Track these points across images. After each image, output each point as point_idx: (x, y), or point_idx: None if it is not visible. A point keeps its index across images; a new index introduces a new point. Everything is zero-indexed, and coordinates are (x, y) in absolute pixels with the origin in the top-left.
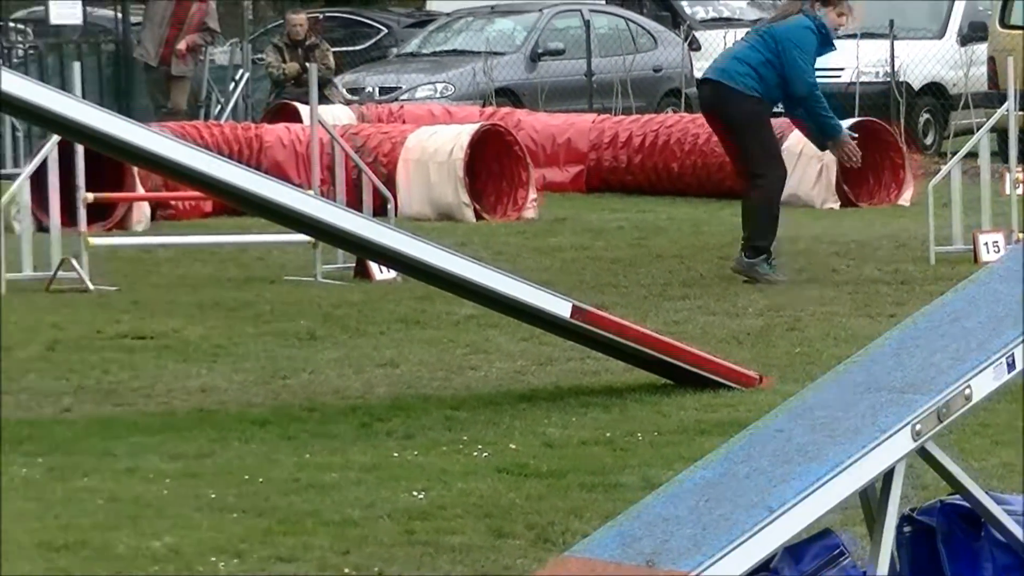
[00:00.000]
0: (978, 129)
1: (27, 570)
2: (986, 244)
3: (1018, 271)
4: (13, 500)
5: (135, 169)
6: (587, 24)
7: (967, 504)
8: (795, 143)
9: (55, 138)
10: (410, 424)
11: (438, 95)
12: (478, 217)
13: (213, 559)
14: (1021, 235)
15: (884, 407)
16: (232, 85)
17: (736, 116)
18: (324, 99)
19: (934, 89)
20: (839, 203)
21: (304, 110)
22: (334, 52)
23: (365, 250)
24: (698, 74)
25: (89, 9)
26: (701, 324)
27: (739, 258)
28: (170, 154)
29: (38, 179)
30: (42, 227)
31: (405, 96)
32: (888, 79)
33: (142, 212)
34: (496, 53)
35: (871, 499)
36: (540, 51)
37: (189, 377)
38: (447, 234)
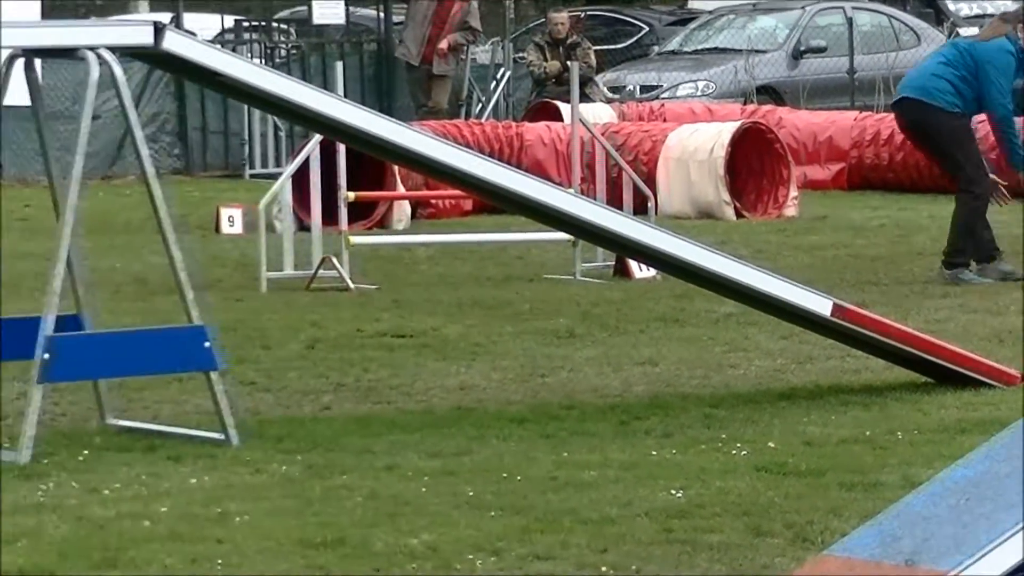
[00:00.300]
0: None
1: (285, 568)
2: None
3: None
4: (272, 498)
5: (396, 168)
6: (850, 21)
7: None
8: None
9: (317, 137)
10: (668, 422)
11: (699, 93)
12: (738, 215)
13: (470, 557)
14: None
15: None
16: (493, 84)
17: (942, 133)
18: (585, 97)
19: None
20: None
21: (565, 108)
22: (595, 50)
23: (625, 248)
24: None
25: (352, 8)
26: (962, 322)
27: (940, 270)
28: (431, 152)
29: (300, 178)
30: (303, 226)
31: (666, 94)
32: None
33: (402, 211)
34: (758, 51)
35: None
36: (802, 48)
37: (448, 375)
38: (707, 232)
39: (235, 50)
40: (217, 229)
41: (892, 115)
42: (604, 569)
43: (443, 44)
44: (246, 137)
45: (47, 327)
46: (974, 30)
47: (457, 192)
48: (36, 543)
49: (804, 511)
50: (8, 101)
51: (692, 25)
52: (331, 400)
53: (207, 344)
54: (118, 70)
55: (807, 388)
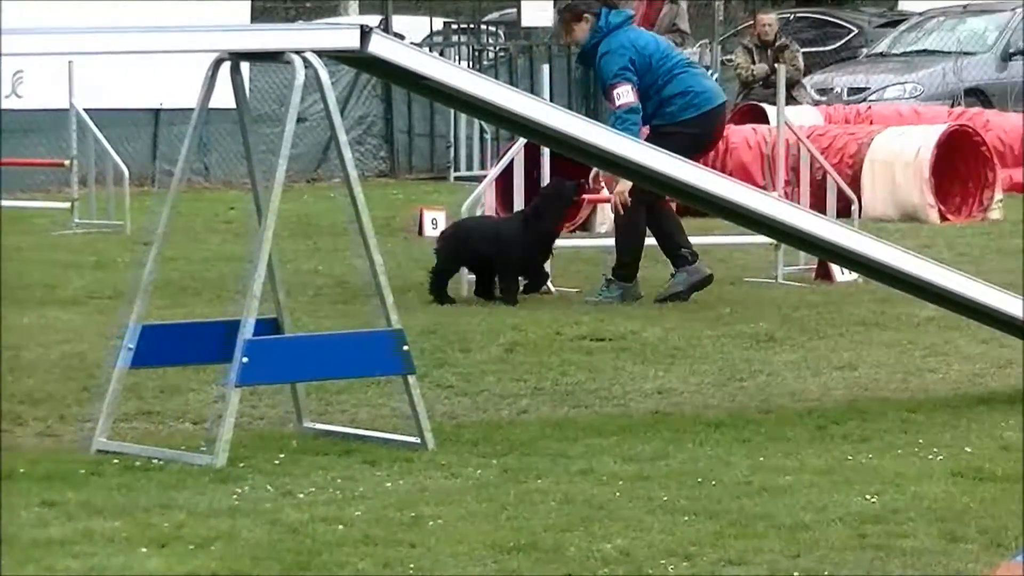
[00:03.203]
0: None
1: (478, 572)
2: None
3: None
4: (466, 502)
5: (599, 172)
6: None
7: None
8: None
9: (522, 141)
10: (866, 427)
11: (907, 95)
12: (943, 218)
13: (663, 562)
14: None
15: None
16: None
17: None
18: (792, 100)
19: None
20: None
21: (771, 111)
22: (804, 53)
23: (827, 252)
24: None
25: None
26: None
27: None
28: (635, 156)
29: (504, 182)
30: None
31: (874, 96)
32: None
33: (606, 214)
34: (966, 53)
35: None
36: (1012, 51)
37: (646, 379)
38: (910, 236)
39: (443, 52)
40: (421, 231)
41: None
42: (797, 574)
43: None
44: (452, 140)
45: (246, 330)
46: None
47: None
48: (230, 546)
49: (999, 516)
50: (214, 104)
51: (902, 27)
52: (528, 404)
53: (404, 348)
54: (324, 73)
55: (1006, 393)
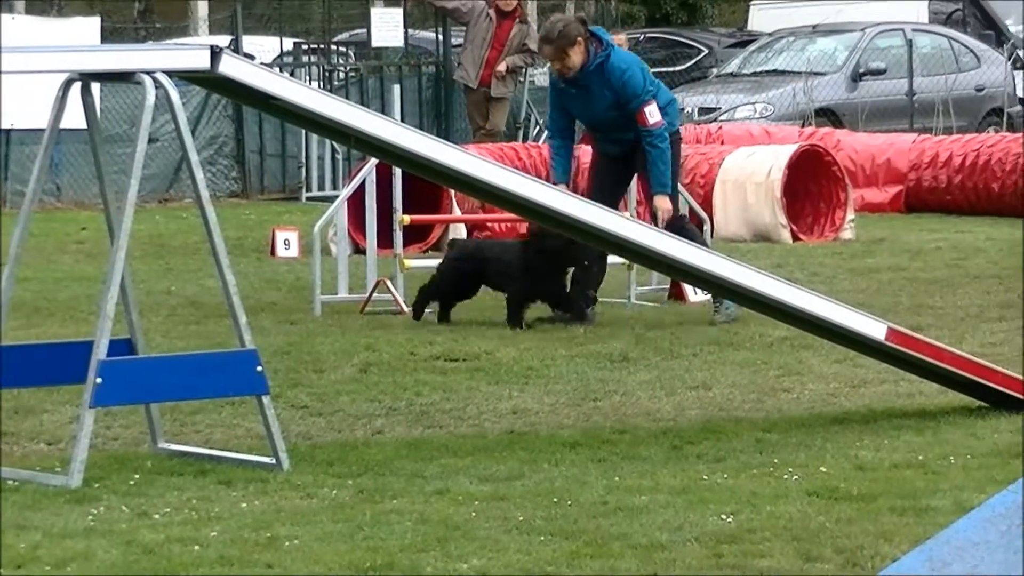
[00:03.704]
0: None
1: None
2: None
3: None
4: (323, 522)
5: (452, 191)
6: (909, 43)
7: None
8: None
9: (373, 161)
10: (720, 447)
11: (757, 115)
12: (795, 238)
13: None
14: None
15: None
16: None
17: None
18: None
19: None
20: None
21: None
22: (654, 72)
23: (680, 272)
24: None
25: (410, 31)
26: (1019, 346)
27: None
28: (487, 176)
29: (356, 202)
30: (359, 249)
31: (724, 116)
32: None
33: (458, 234)
34: (817, 73)
35: None
36: (862, 71)
37: (501, 399)
38: (763, 255)
39: (293, 73)
40: (273, 252)
41: (951, 138)
42: None
43: (501, 67)
44: (303, 160)
45: (100, 351)
46: None
47: (513, 215)
48: (86, 567)
49: (855, 536)
50: (65, 124)
51: (752, 47)
52: (383, 424)
53: (259, 368)
54: (174, 94)
55: (860, 412)
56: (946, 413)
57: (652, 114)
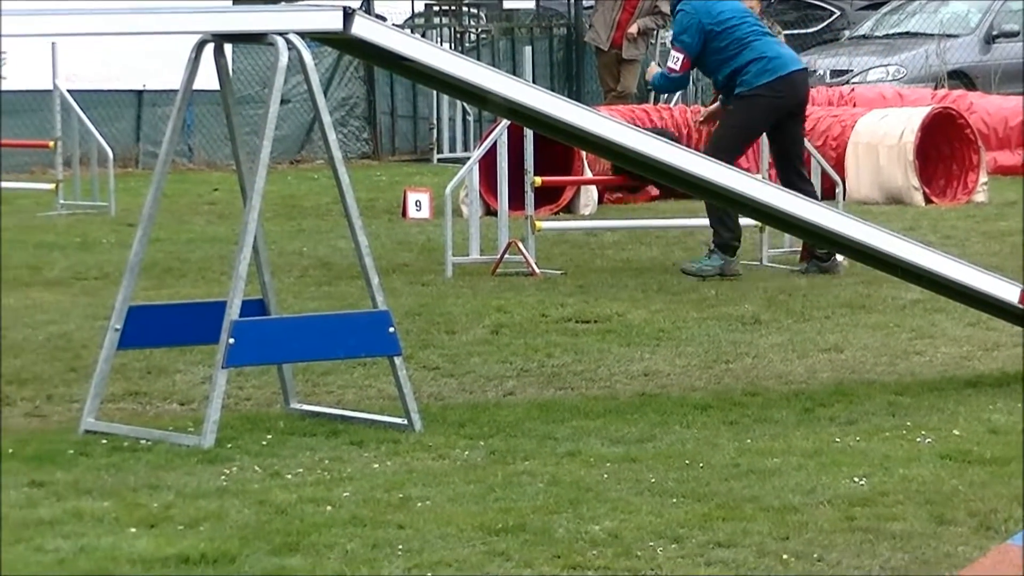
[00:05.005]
0: None
1: (465, 553)
2: None
3: None
4: (454, 483)
5: (583, 153)
6: None
7: None
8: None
9: (505, 122)
10: (853, 410)
11: (889, 78)
12: (927, 201)
13: (651, 544)
14: None
15: None
16: None
17: None
18: None
19: None
20: None
21: None
22: (785, 35)
23: (812, 234)
24: None
25: None
26: None
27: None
28: (618, 137)
29: (487, 163)
30: (490, 211)
31: (856, 79)
32: None
33: (589, 196)
34: (949, 35)
35: None
36: (995, 33)
37: (632, 361)
38: (895, 218)
39: (424, 35)
40: (404, 213)
41: None
42: (785, 557)
43: (633, 28)
44: (435, 121)
45: (232, 311)
46: None
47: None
48: (218, 527)
49: (988, 499)
50: (198, 85)
51: (884, 9)
52: (514, 385)
53: (391, 329)
54: (307, 55)
55: (993, 375)
56: None
57: (673, 59)
